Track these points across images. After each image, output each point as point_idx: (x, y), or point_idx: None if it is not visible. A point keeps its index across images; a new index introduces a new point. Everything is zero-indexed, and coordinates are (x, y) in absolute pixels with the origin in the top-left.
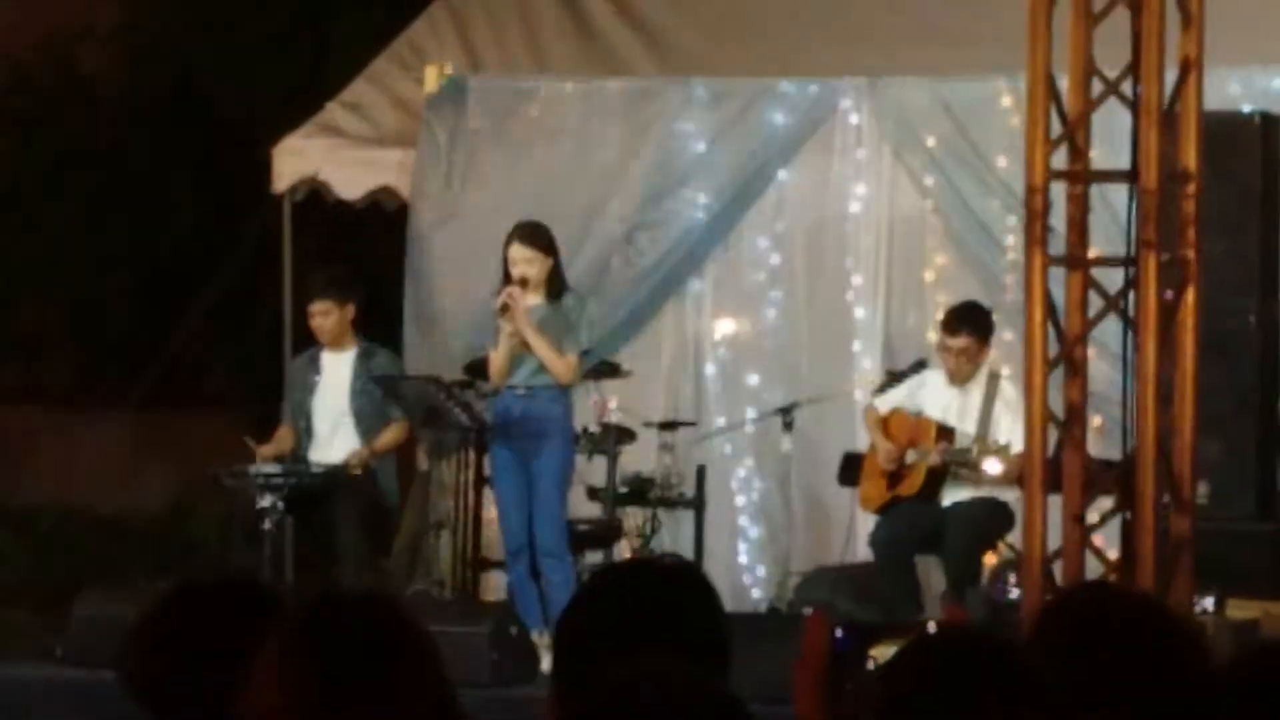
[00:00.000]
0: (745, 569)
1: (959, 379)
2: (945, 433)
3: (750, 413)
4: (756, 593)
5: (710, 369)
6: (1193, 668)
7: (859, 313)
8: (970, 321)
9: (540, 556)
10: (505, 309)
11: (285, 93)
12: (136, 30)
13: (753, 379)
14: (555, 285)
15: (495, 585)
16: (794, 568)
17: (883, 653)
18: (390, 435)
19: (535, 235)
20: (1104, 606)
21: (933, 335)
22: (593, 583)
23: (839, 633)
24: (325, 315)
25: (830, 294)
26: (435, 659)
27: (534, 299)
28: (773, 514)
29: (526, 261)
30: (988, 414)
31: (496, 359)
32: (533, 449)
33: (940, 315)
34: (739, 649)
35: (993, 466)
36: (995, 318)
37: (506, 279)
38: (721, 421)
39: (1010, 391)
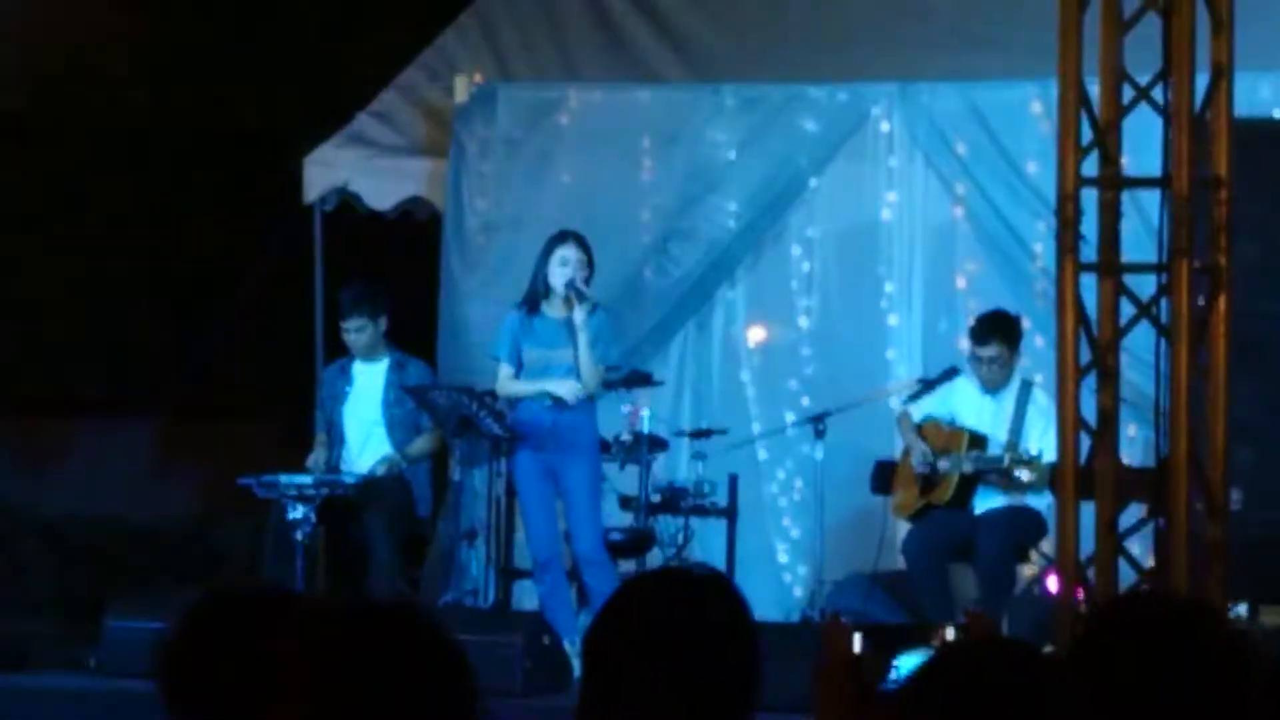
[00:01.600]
0: (786, 568)
1: (991, 386)
2: (977, 441)
3: (788, 417)
4: (798, 591)
5: (745, 375)
6: (1240, 672)
7: (892, 320)
8: (998, 330)
9: (583, 566)
10: (579, 295)
11: (314, 103)
12: (164, 41)
13: (788, 386)
14: (587, 297)
15: (528, 594)
16: (827, 575)
17: (906, 659)
18: (422, 443)
19: (585, 242)
20: (1159, 611)
21: (964, 342)
22: (622, 592)
23: (859, 640)
24: (359, 331)
25: (864, 301)
26: (465, 668)
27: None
28: (807, 520)
29: (580, 264)
30: (1020, 421)
31: (521, 385)
32: (563, 460)
33: (971, 322)
34: (770, 659)
35: (1024, 475)
36: (1026, 324)
37: (535, 285)
38: (757, 428)
39: (1042, 399)
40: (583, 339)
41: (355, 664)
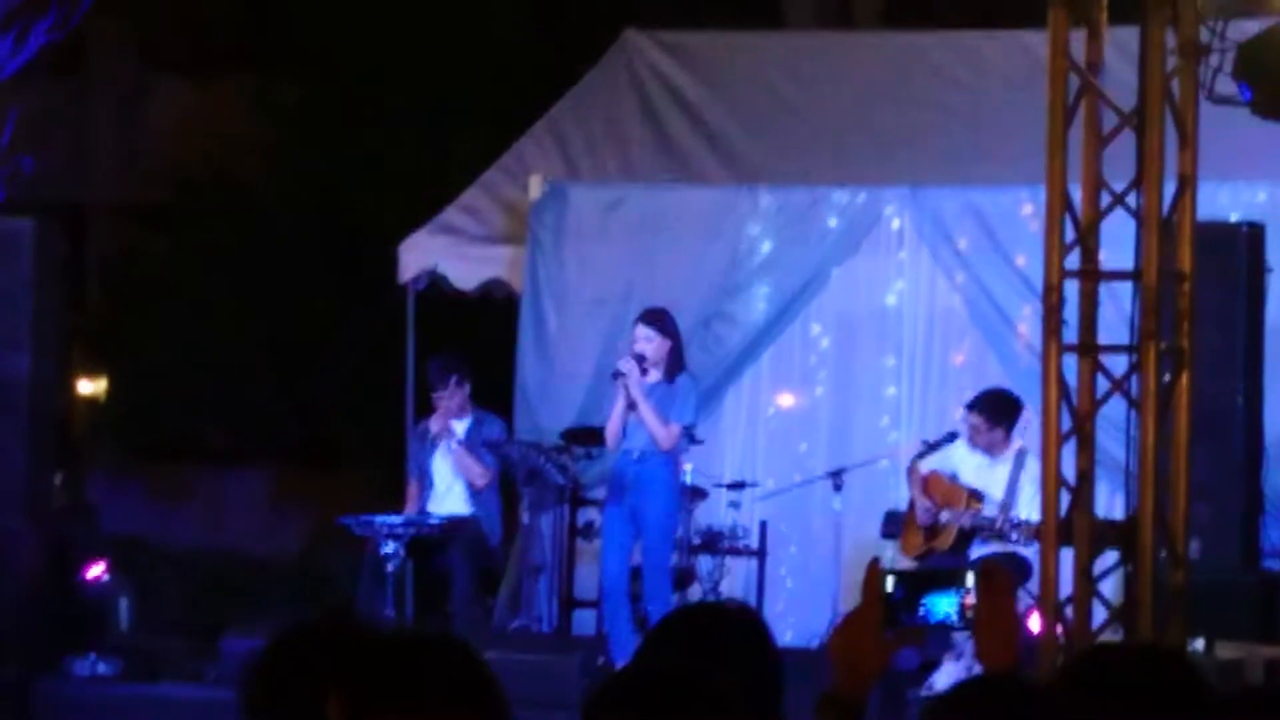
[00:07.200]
0: (780, 616)
1: (979, 449)
2: (975, 497)
3: (795, 477)
4: (789, 635)
5: (764, 438)
6: (1196, 704)
7: (892, 390)
8: (982, 405)
9: (646, 597)
10: (616, 375)
11: (411, 198)
12: (286, 147)
13: (800, 446)
14: (673, 366)
15: (586, 622)
16: (842, 608)
17: (931, 599)
18: (480, 466)
19: (656, 318)
20: (1129, 655)
21: (958, 410)
22: (666, 622)
23: (892, 582)
24: (450, 399)
25: (869, 374)
26: (495, 687)
27: (655, 375)
28: (814, 566)
29: (645, 340)
30: (1014, 484)
31: (611, 422)
32: (642, 505)
33: (966, 393)
34: (802, 680)
35: (1015, 537)
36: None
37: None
38: (772, 483)
39: (1034, 467)
40: (639, 402)
41: (397, 687)
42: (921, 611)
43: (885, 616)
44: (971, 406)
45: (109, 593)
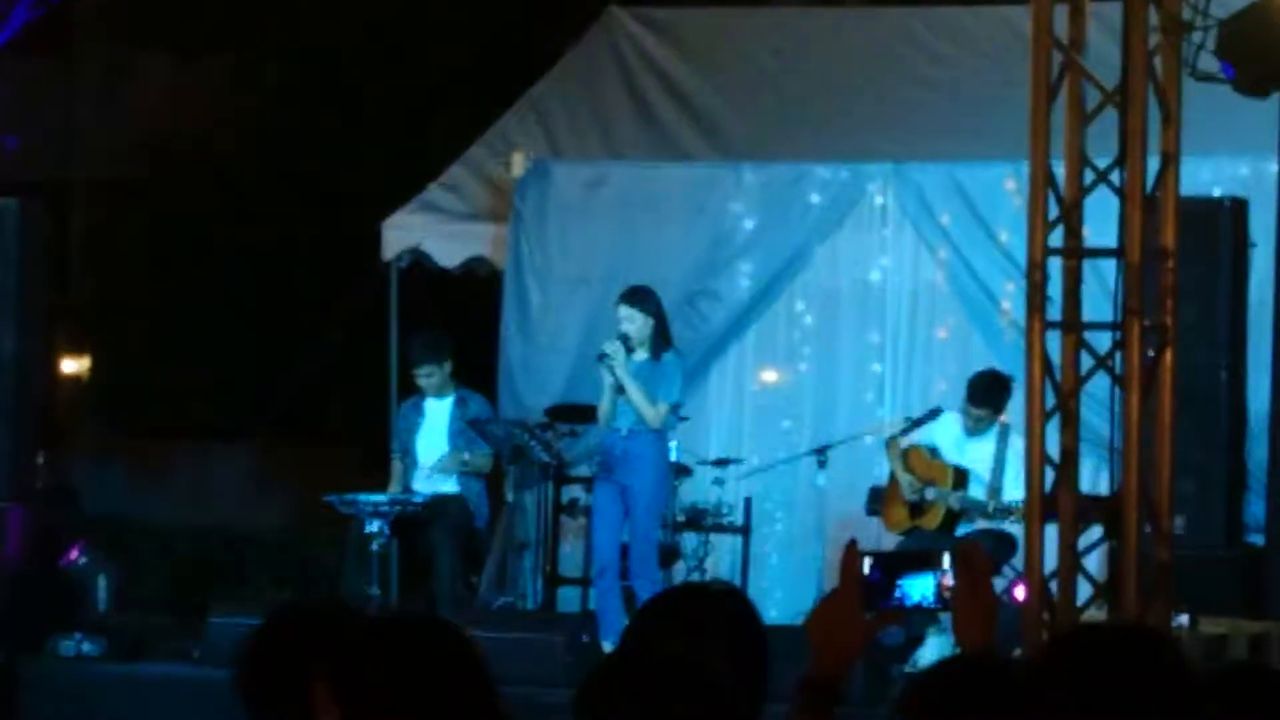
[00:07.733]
0: (765, 592)
1: (974, 433)
2: (960, 476)
3: (781, 453)
4: (773, 612)
5: (749, 413)
6: (1179, 687)
7: (876, 367)
8: (989, 396)
9: (632, 576)
10: (602, 357)
11: (393, 176)
12: (267, 122)
13: (784, 423)
14: (658, 343)
15: (570, 599)
16: (827, 585)
17: (908, 581)
18: (480, 458)
19: (637, 298)
20: (1112, 637)
21: (942, 385)
22: (652, 604)
23: (869, 564)
24: (430, 376)
25: (853, 351)
26: (481, 666)
27: (641, 354)
28: (798, 542)
29: (628, 319)
30: (1000, 460)
31: (602, 403)
32: (630, 482)
33: (951, 368)
34: (788, 658)
35: (1008, 523)
36: (994, 366)
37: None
38: (755, 460)
39: (1018, 443)
40: (626, 383)
41: (384, 669)
42: (898, 593)
43: (863, 598)
44: (974, 402)
45: (87, 572)
